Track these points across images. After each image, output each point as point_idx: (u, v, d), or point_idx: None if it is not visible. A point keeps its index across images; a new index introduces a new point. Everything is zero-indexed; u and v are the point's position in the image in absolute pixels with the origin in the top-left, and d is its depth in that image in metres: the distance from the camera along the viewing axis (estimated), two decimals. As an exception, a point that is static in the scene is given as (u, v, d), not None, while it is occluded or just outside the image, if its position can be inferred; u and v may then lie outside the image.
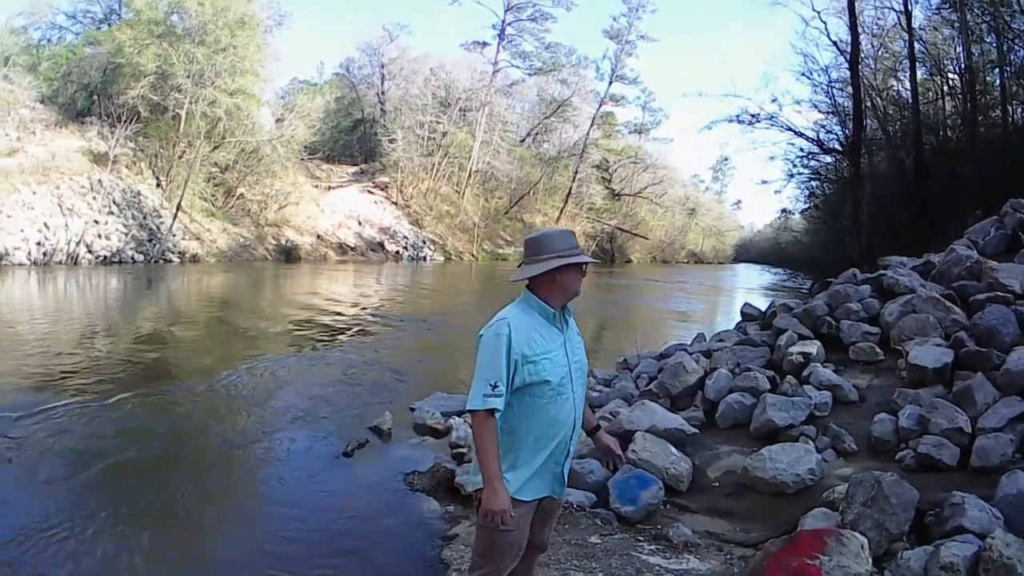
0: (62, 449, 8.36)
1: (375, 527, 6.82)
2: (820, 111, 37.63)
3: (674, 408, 8.74)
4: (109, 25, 45.89)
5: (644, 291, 43.80)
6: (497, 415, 3.51)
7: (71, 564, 5.73)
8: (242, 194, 46.43)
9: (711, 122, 52.34)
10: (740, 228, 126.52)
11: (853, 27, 30.73)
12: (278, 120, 52.48)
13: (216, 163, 44.38)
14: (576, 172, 76.08)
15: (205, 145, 42.39)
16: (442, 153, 65.01)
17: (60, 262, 32.25)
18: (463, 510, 6.88)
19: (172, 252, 38.31)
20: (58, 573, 5.60)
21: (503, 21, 71.99)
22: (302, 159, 53.05)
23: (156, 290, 27.88)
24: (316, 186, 55.69)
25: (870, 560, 4.76)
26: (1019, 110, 27.24)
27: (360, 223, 55.44)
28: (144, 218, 37.87)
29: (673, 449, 7.36)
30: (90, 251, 34.08)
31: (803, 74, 37.39)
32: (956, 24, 28.62)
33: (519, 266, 3.87)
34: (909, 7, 29.70)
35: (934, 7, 30.42)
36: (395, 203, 60.61)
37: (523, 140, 79.26)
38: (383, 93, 68.58)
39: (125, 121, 39.60)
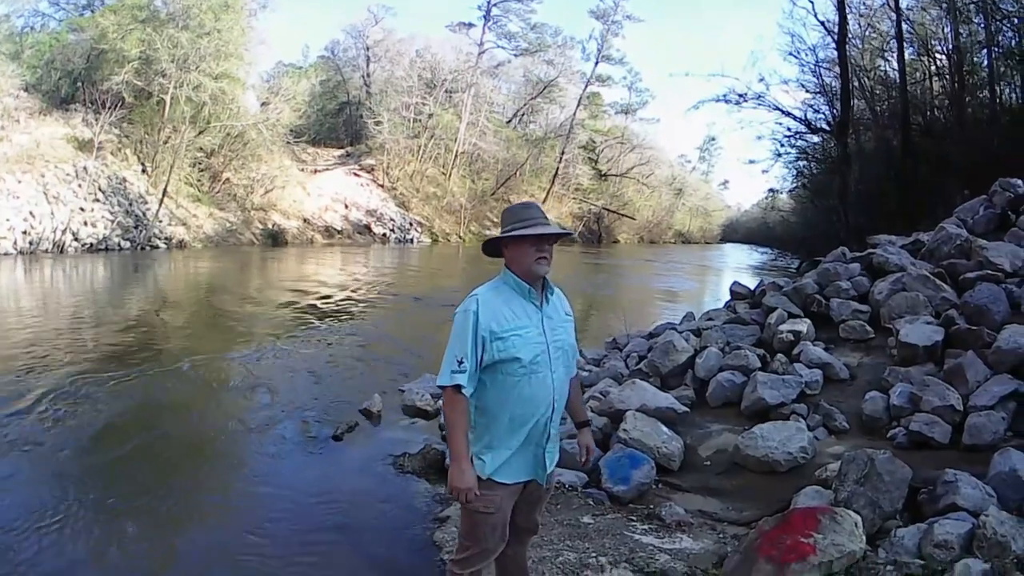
0: (50, 438, 8.31)
1: (366, 510, 6.80)
2: (807, 91, 37.80)
3: (664, 387, 8.76)
4: (92, 11, 45.43)
5: (632, 271, 43.88)
6: (464, 391, 3.51)
7: (59, 553, 5.69)
8: (228, 179, 46.16)
9: (698, 102, 52.50)
10: (727, 208, 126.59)
11: (841, 6, 30.78)
12: (263, 104, 52.20)
13: (201, 148, 44.01)
14: (563, 153, 75.86)
15: (190, 130, 42.02)
16: (428, 135, 64.74)
17: (46, 250, 32.02)
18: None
19: (159, 238, 38.07)
20: (46, 562, 5.55)
21: (489, 2, 71.54)
22: (288, 143, 52.71)
23: (143, 277, 27.72)
24: (302, 169, 55.36)
25: (864, 538, 4.74)
26: (1007, 90, 27.33)
27: (347, 206, 55.24)
28: (130, 204, 37.60)
29: (664, 428, 7.36)
30: (76, 239, 33.83)
31: (791, 54, 37.52)
32: (944, 4, 28.68)
33: None
34: (897, -14, 29.71)
35: (922, -14, 30.44)
36: (381, 185, 60.38)
37: (509, 121, 79.05)
38: (369, 75, 68.29)
39: (110, 107, 39.26)
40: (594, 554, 5.41)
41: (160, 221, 38.75)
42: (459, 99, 68.49)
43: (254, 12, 48.11)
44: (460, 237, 61.51)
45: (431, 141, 65.28)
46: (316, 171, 57.55)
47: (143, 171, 40.55)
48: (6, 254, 29.95)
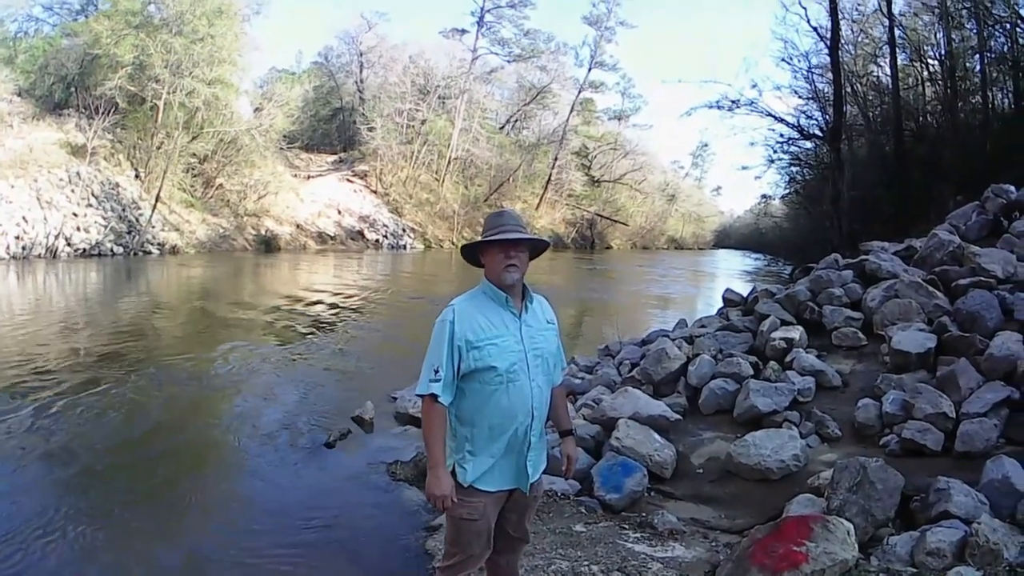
0: (43, 446, 8.30)
1: (358, 517, 6.81)
2: (800, 97, 37.85)
3: (657, 394, 8.75)
4: (86, 16, 45.29)
5: (625, 277, 43.88)
6: (441, 400, 3.54)
7: (52, 560, 5.69)
8: (221, 184, 46.12)
9: (691, 108, 52.55)
10: (720, 214, 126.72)
11: (833, 12, 30.77)
12: (256, 110, 52.13)
13: (195, 154, 43.92)
14: (556, 159, 75.93)
15: (183, 136, 42.00)
16: (421, 141, 64.69)
17: (39, 255, 31.98)
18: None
19: (151, 244, 38.00)
20: (39, 569, 5.54)
21: (482, 8, 71.78)
22: (281, 148, 52.67)
23: (136, 282, 27.69)
24: (295, 175, 55.32)
25: (856, 546, 4.73)
26: (999, 95, 27.40)
27: (339, 212, 55.22)
28: (123, 210, 37.53)
29: (657, 436, 7.35)
30: (69, 244, 33.79)
31: (783, 60, 37.53)
32: (936, 10, 28.79)
33: None
34: (889, -8, 29.78)
35: (914, -7, 30.53)
36: (374, 191, 60.35)
37: (502, 127, 79.06)
38: (362, 81, 68.26)
39: (103, 113, 39.16)
40: (586, 563, 5.40)
41: (153, 227, 38.70)
42: (452, 105, 68.46)
43: (248, 18, 48.15)
44: (453, 243, 61.41)
45: (424, 147, 65.26)
46: (309, 177, 57.51)
47: (136, 176, 40.50)
48: (-1, 259, 29.91)
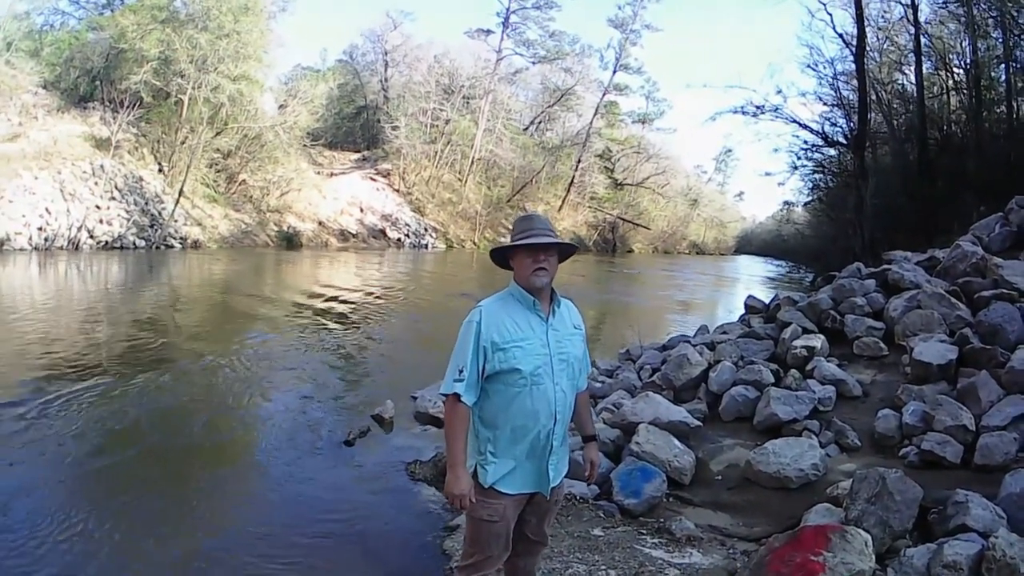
0: (59, 438, 8.36)
1: (376, 516, 6.84)
2: (825, 104, 37.70)
3: (677, 400, 8.75)
4: (112, 10, 45.54)
5: (646, 281, 43.82)
6: (464, 400, 3.57)
7: (68, 552, 5.75)
8: (244, 180, 46.27)
9: (715, 113, 52.43)
10: (742, 220, 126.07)
11: (859, 19, 30.66)
12: (281, 106, 52.27)
13: (218, 149, 44.11)
14: (579, 161, 75.73)
15: (207, 131, 42.17)
16: (445, 141, 64.73)
17: (61, 247, 32.16)
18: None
19: (174, 238, 38.17)
20: (55, 561, 5.61)
21: (507, 9, 71.58)
22: (304, 145, 52.80)
23: (157, 276, 27.82)
24: (318, 172, 55.43)
25: (873, 557, 4.74)
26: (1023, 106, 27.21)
27: (362, 210, 55.29)
28: (146, 204, 37.70)
29: (676, 442, 7.36)
30: (91, 236, 33.95)
31: (808, 66, 37.41)
32: (962, 18, 28.59)
33: None
34: (916, 0, 29.64)
35: (941, 1, 30.33)
36: (397, 190, 60.40)
37: (526, 128, 78.95)
38: (386, 80, 68.30)
39: (127, 107, 39.40)
40: (604, 567, 5.42)
41: (175, 221, 38.84)
42: (476, 105, 68.43)
43: (273, 15, 48.32)
44: (475, 244, 61.44)
45: (448, 147, 65.27)
46: (332, 174, 57.60)
47: (159, 170, 40.69)
48: (21, 250, 30.07)
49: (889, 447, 7.14)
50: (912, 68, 31.57)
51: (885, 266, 10.85)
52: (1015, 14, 25.37)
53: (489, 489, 3.66)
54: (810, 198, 46.66)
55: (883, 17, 35.05)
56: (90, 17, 46.23)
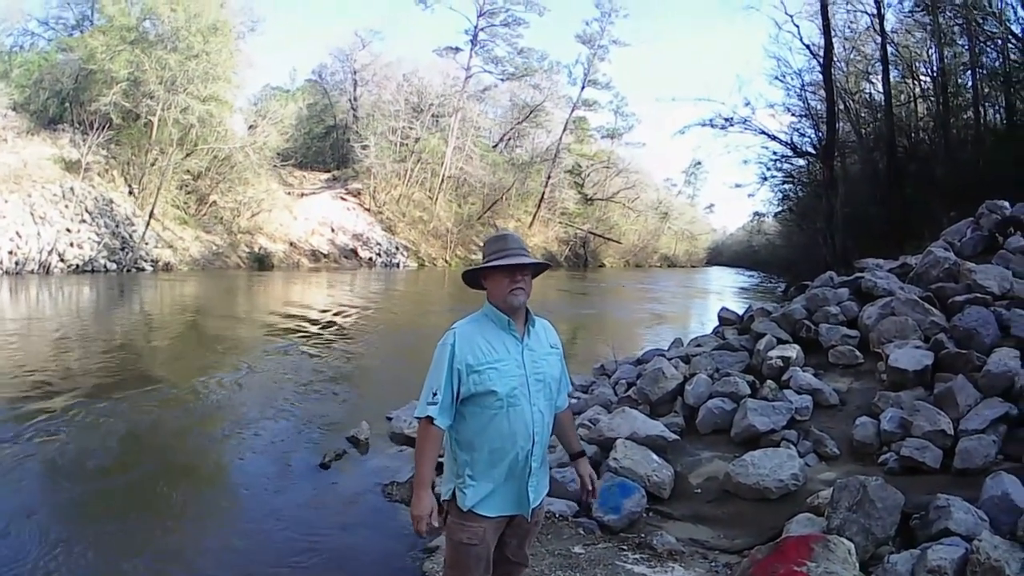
0: (31, 464, 8.26)
1: (354, 539, 6.78)
2: (793, 114, 38.06)
3: (654, 414, 8.70)
4: (82, 31, 45.59)
5: (618, 295, 43.92)
6: (437, 423, 3.52)
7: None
8: (215, 201, 46.23)
9: (684, 127, 52.79)
10: (713, 231, 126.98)
11: (826, 30, 31.00)
12: (251, 127, 52.28)
13: (188, 170, 44.15)
14: (549, 177, 76.14)
15: (177, 152, 42.18)
16: (415, 159, 64.94)
17: (32, 271, 32.04)
18: (444, 522, 6.83)
19: (145, 260, 38.07)
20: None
21: (476, 26, 72.02)
22: (275, 166, 52.90)
23: (129, 299, 27.67)
24: (289, 193, 55.46)
25: (857, 565, 4.73)
26: (991, 111, 27.54)
27: (333, 230, 55.31)
28: (116, 226, 37.61)
29: (654, 456, 7.32)
30: (62, 260, 33.85)
31: (776, 78, 37.80)
32: (928, 27, 28.98)
33: None
34: (882, 10, 30.06)
35: (907, 10, 30.80)
36: (368, 209, 60.48)
37: (496, 145, 79.41)
38: (356, 99, 68.43)
39: (97, 128, 39.40)
40: (585, 584, 5.38)
41: (146, 243, 38.76)
42: (446, 123, 68.73)
43: (242, 35, 48.47)
44: (446, 261, 61.56)
45: (418, 165, 65.51)
46: (303, 195, 57.63)
47: (130, 193, 40.64)
48: (-8, 274, 29.91)
49: (868, 455, 7.14)
50: (879, 77, 32.01)
51: (858, 274, 10.88)
52: (980, 21, 25.72)
53: (468, 512, 3.61)
54: (780, 208, 47.17)
55: (850, 27, 35.51)
56: (60, 38, 46.33)
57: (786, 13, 34.54)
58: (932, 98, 30.27)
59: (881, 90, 31.80)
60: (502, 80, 77.24)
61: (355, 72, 68.90)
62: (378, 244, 57.77)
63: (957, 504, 5.36)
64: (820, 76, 33.19)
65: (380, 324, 23.23)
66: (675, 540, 6.21)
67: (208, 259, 42.53)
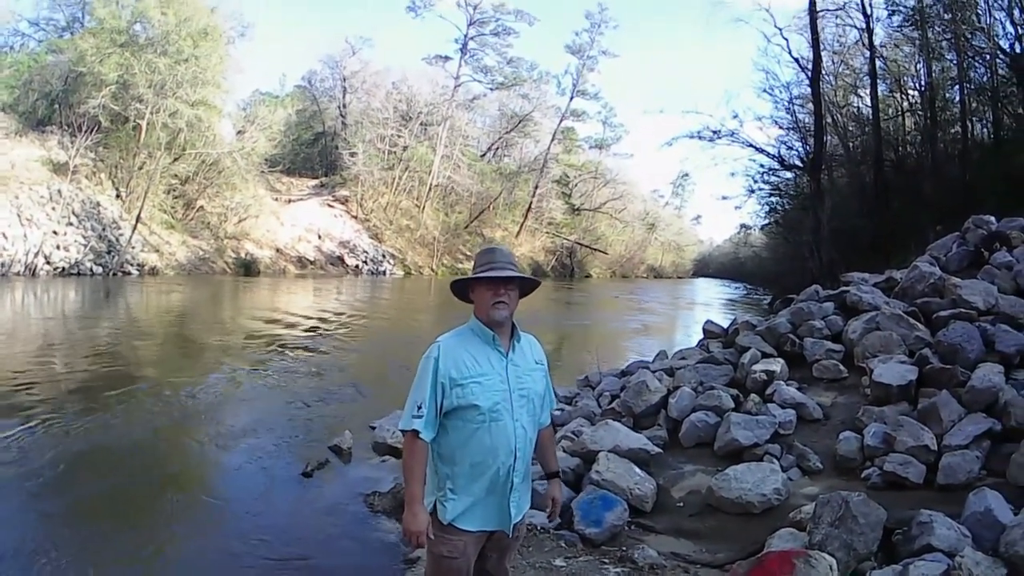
0: (12, 470, 8.15)
1: (335, 549, 6.73)
2: (781, 127, 38.20)
3: (637, 427, 8.69)
4: (72, 33, 45.51)
5: (604, 306, 43.92)
6: (422, 437, 3.52)
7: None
8: (202, 206, 46.16)
9: (672, 138, 52.93)
10: (699, 243, 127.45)
11: (815, 44, 31.14)
12: (239, 132, 52.27)
13: (176, 175, 44.09)
14: (536, 187, 76.32)
15: (165, 156, 42.14)
16: (403, 167, 64.98)
17: (18, 273, 31.91)
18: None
19: (131, 264, 37.95)
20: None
21: (466, 35, 72.28)
22: (262, 172, 52.89)
23: (115, 303, 27.56)
24: (276, 199, 55.46)
25: (839, 581, 4.70)
26: (978, 126, 27.66)
27: (320, 237, 55.27)
28: (103, 229, 37.50)
29: (637, 469, 7.29)
30: (48, 262, 33.72)
31: (765, 90, 38.06)
32: (917, 41, 29.13)
33: None
34: (871, 24, 30.22)
35: (895, 25, 30.88)
36: (355, 217, 60.45)
37: (484, 155, 79.48)
38: (344, 106, 68.42)
39: (86, 131, 39.26)
40: (566, 598, 5.35)
41: (133, 247, 38.66)
42: (434, 132, 68.84)
43: (232, 40, 48.41)
44: (433, 270, 61.56)
45: (405, 173, 65.53)
46: (290, 201, 57.57)
47: (117, 196, 40.52)
48: (-23, 277, 29.78)
49: (851, 469, 7.13)
50: (867, 91, 32.14)
51: (843, 288, 10.90)
52: (969, 36, 25.83)
53: (448, 525, 3.58)
54: (767, 221, 47.24)
55: (838, 41, 35.68)
56: (50, 40, 46.24)
57: (775, 26, 34.79)
58: (920, 112, 30.42)
59: (869, 104, 31.99)
60: (491, 89, 77.58)
61: (344, 79, 68.93)
62: (365, 252, 57.75)
63: (940, 520, 5.35)
64: (808, 89, 33.37)
65: (365, 333, 23.17)
66: (657, 554, 6.18)
67: (194, 264, 42.44)
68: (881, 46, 31.70)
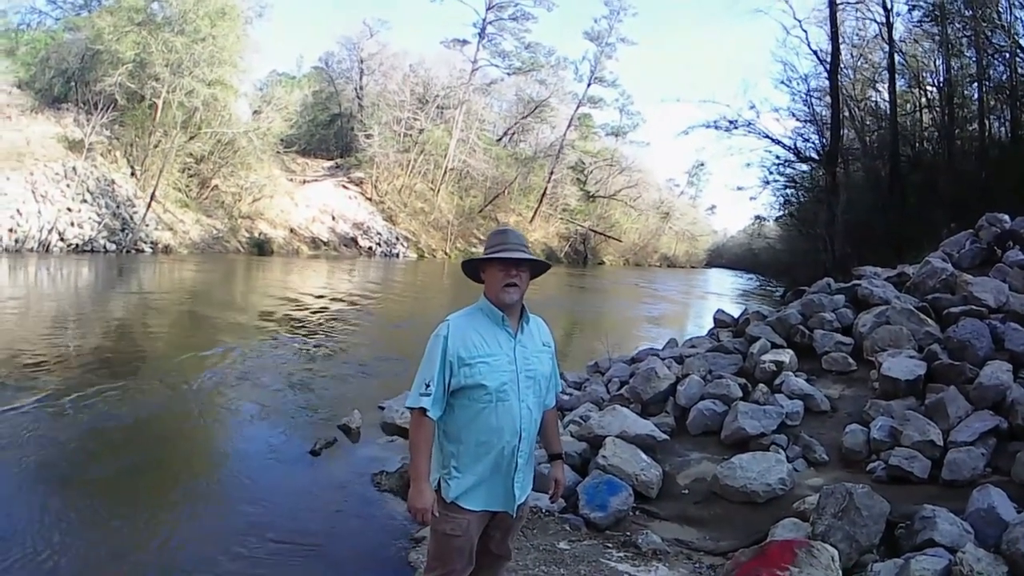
0: (23, 448, 8.16)
1: (342, 528, 6.76)
2: (798, 119, 37.99)
3: (645, 414, 8.70)
4: (89, 11, 45.38)
5: (616, 293, 43.87)
6: (429, 415, 3.54)
7: (32, 567, 5.60)
8: (216, 185, 46.12)
9: (688, 127, 52.66)
10: (713, 233, 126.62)
11: (834, 37, 31.01)
12: (255, 112, 52.13)
13: (191, 154, 43.98)
14: (551, 173, 76.01)
15: (181, 135, 42.07)
16: (418, 150, 64.78)
17: (32, 249, 31.95)
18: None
19: (144, 242, 37.95)
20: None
21: (484, 20, 71.85)
22: (278, 152, 52.76)
23: (127, 280, 27.56)
24: (291, 179, 55.32)
25: (840, 572, 4.73)
26: (996, 124, 27.50)
27: (334, 218, 55.18)
28: (117, 207, 37.50)
29: (643, 455, 7.32)
30: (62, 239, 33.74)
31: (782, 82, 37.82)
32: (937, 37, 28.93)
33: None
34: (891, 19, 30.04)
35: (916, 20, 30.70)
36: (369, 199, 60.33)
37: (500, 139, 79.13)
38: (361, 88, 68.11)
39: (101, 109, 39.25)
40: (569, 581, 5.38)
41: (147, 225, 38.65)
42: (450, 115, 68.51)
43: (250, 20, 48.19)
44: (446, 253, 61.43)
45: (421, 156, 65.32)
46: (305, 182, 57.44)
47: (132, 174, 40.49)
48: (-8, 251, 29.87)
49: (856, 462, 7.14)
50: (886, 85, 32.00)
51: (855, 281, 10.86)
52: (989, 34, 25.67)
53: (452, 504, 3.61)
54: (781, 213, 47.03)
55: (858, 35, 35.46)
56: (67, 17, 46.10)
57: (795, 18, 34.62)
58: (937, 108, 30.24)
59: (887, 98, 31.83)
60: (508, 74, 77.18)
61: (362, 61, 68.58)
62: (378, 234, 57.66)
63: (943, 515, 5.36)
64: (826, 82, 33.26)
65: (377, 314, 23.20)
66: (660, 540, 6.20)
67: (208, 243, 42.42)
68: (900, 41, 31.56)
